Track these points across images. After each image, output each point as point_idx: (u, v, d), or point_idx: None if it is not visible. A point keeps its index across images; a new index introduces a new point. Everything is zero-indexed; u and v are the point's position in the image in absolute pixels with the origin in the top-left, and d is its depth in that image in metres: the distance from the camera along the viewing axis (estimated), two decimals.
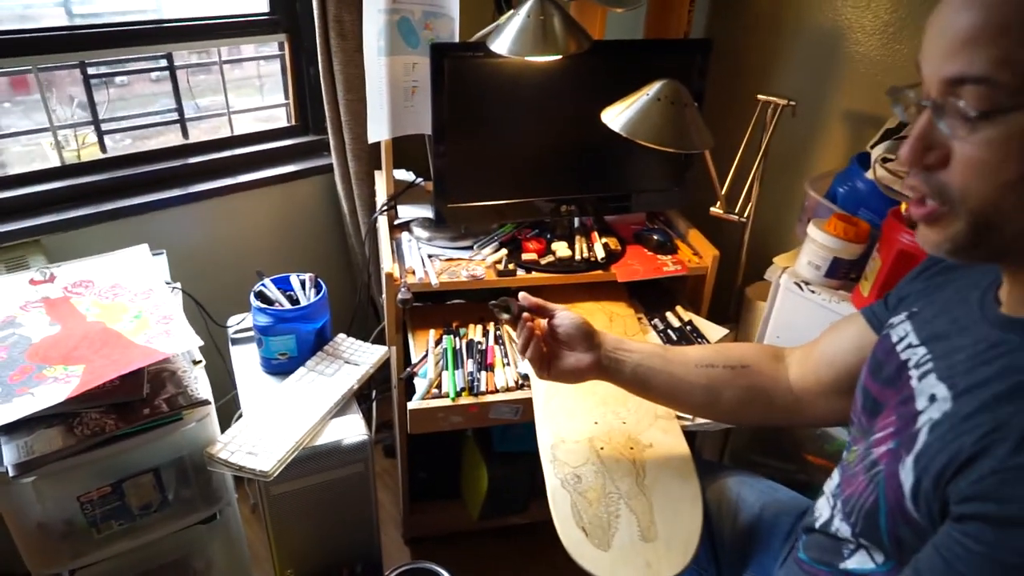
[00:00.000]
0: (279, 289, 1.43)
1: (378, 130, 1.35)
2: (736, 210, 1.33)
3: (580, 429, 1.07)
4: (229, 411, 1.40)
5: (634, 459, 1.02)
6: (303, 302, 1.40)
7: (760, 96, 1.27)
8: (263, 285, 1.42)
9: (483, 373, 1.22)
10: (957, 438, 0.57)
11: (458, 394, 1.18)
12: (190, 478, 1.21)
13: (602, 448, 1.04)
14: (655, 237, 1.44)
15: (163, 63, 1.60)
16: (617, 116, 1.10)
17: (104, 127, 1.58)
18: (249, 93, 1.85)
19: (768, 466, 1.32)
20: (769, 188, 1.43)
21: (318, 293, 1.41)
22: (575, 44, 1.12)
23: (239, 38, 1.67)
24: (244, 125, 1.79)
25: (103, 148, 1.60)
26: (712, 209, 1.34)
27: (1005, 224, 0.55)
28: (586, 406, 1.12)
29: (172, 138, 1.70)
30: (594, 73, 1.28)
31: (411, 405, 1.16)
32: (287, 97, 1.81)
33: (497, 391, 1.20)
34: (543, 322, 0.95)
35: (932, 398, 0.63)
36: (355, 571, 1.42)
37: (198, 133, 1.73)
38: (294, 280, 1.45)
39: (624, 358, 0.94)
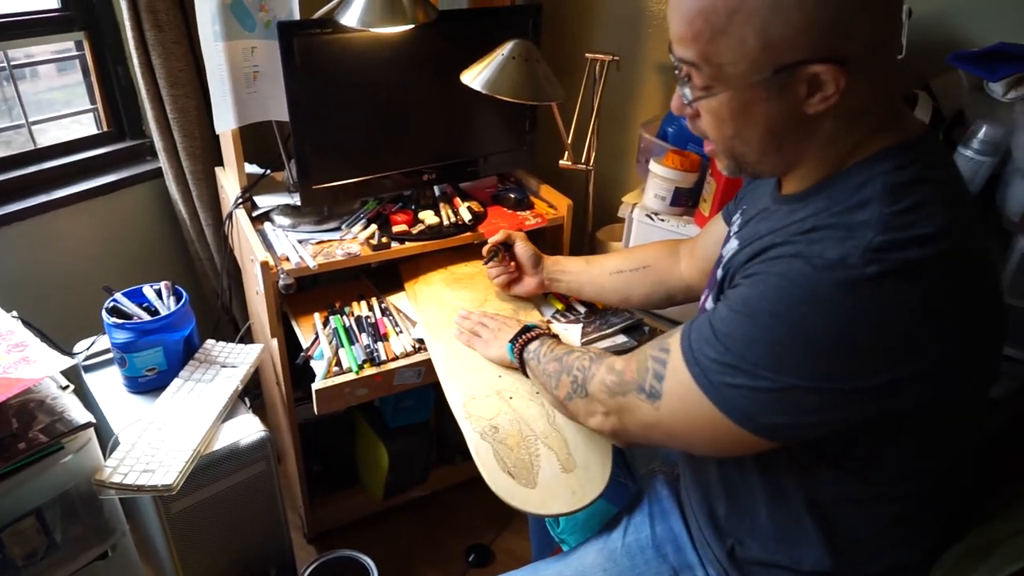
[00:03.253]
0: (134, 303, 1.35)
1: (224, 120, 1.32)
2: (582, 160, 1.47)
3: (487, 383, 1.12)
4: (101, 444, 1.30)
5: (542, 403, 1.08)
6: (163, 312, 1.34)
7: (588, 54, 1.41)
8: (115, 301, 1.33)
9: (379, 344, 1.25)
10: (730, 265, 0.76)
11: (360, 367, 1.20)
12: (78, 513, 1.13)
13: (511, 397, 1.09)
14: (512, 195, 1.54)
15: None
16: (476, 76, 1.18)
17: None
18: (74, 99, 1.68)
19: None
20: (602, 138, 1.59)
21: (179, 300, 1.35)
22: (423, 14, 1.18)
23: (26, 39, 1.52)
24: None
25: None
26: (561, 162, 1.47)
27: (744, 159, 0.73)
28: (487, 361, 1.17)
29: None
30: (438, 42, 1.34)
31: (316, 385, 1.16)
32: (93, 101, 1.67)
33: (397, 358, 1.23)
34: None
35: (728, 249, 0.82)
36: None
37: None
38: (148, 291, 1.37)
39: (560, 278, 1.28)
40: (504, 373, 1.15)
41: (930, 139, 0.70)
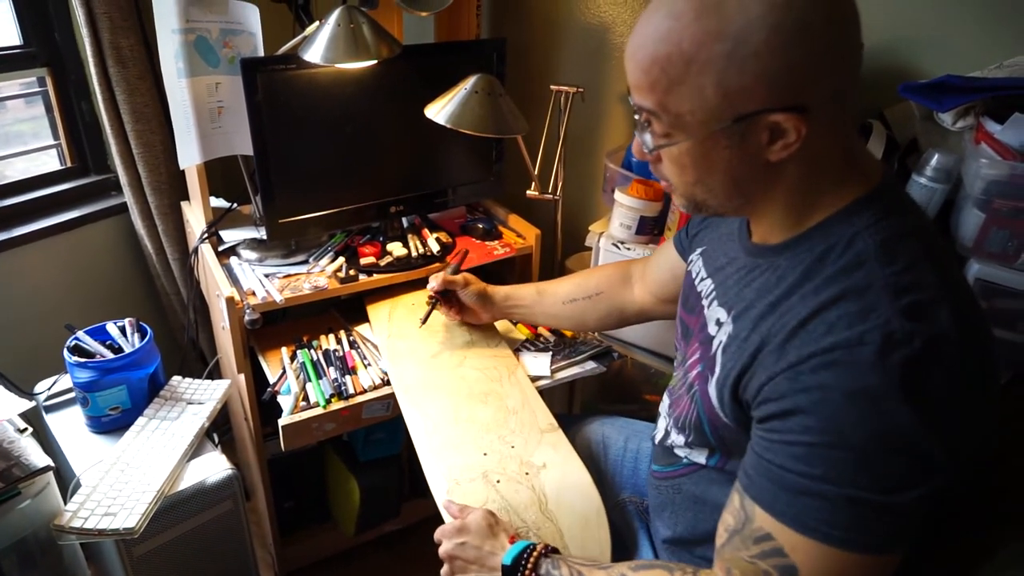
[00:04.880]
0: (97, 340, 1.33)
1: (188, 155, 1.31)
2: (549, 190, 1.48)
3: (471, 464, 1.04)
4: (62, 487, 1.27)
5: (532, 485, 1.01)
6: (127, 349, 1.32)
7: (553, 86, 1.43)
8: (77, 339, 1.31)
9: (347, 377, 1.24)
10: (740, 357, 0.72)
11: (328, 401, 1.19)
12: (36, 560, 1.10)
13: (498, 481, 1.01)
14: (480, 226, 1.55)
15: None
16: (440, 111, 1.19)
17: None
18: (42, 131, 1.66)
19: (613, 411, 1.48)
20: (570, 167, 1.61)
21: (144, 337, 1.33)
22: (387, 49, 1.19)
23: None
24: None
25: None
26: (528, 192, 1.48)
27: (706, 203, 0.73)
28: (470, 435, 1.09)
29: None
30: (404, 76, 1.35)
31: (282, 421, 1.14)
32: (57, 137, 1.66)
33: (365, 391, 1.22)
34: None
35: (718, 322, 0.79)
36: None
37: None
38: (112, 328, 1.35)
39: (512, 311, 1.28)
40: (489, 450, 1.07)
41: (894, 182, 0.71)
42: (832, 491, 0.62)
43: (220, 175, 1.65)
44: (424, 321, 1.27)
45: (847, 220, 0.68)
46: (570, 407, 1.61)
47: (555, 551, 0.85)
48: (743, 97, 0.62)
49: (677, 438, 0.87)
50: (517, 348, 1.32)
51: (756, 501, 0.67)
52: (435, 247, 1.45)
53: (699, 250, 0.92)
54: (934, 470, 0.60)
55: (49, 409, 1.33)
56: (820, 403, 0.62)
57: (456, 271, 1.30)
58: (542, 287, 1.26)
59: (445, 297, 1.28)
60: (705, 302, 0.84)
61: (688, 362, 0.85)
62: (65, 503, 1.09)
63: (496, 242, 1.53)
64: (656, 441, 0.95)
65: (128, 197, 1.59)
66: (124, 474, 1.15)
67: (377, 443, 1.58)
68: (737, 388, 0.72)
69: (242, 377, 1.32)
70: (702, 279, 0.87)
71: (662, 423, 0.95)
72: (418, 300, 1.43)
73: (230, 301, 1.24)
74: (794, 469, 0.64)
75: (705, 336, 0.81)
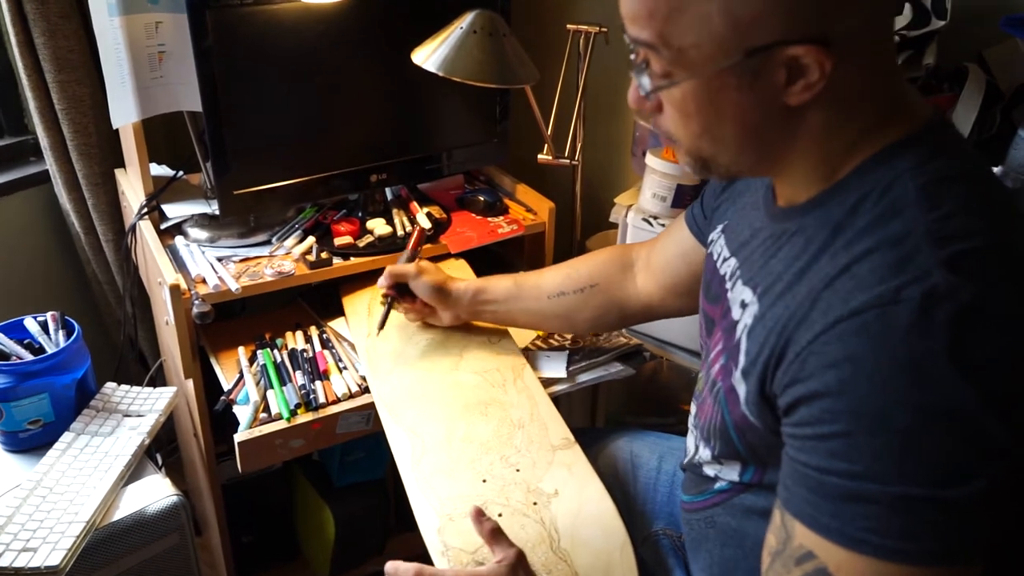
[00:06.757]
0: (13, 339, 1.32)
1: (123, 112, 1.30)
2: (566, 154, 1.47)
3: (468, 495, 1.01)
4: None
5: (542, 519, 0.98)
6: (50, 349, 1.31)
7: (569, 25, 1.41)
8: None
9: (318, 383, 1.23)
10: (767, 339, 0.72)
11: (293, 412, 1.18)
12: None
13: (500, 514, 0.98)
14: (481, 198, 1.54)
15: None
16: (431, 56, 1.17)
17: None
18: None
19: (645, 424, 1.48)
20: (592, 127, 1.59)
21: (70, 334, 1.32)
22: None
23: None
24: None
25: None
26: (540, 156, 1.47)
27: (715, 160, 0.73)
28: (467, 457, 1.07)
29: None
30: (386, 13, 1.34)
31: (239, 436, 1.14)
32: None
33: (340, 400, 1.21)
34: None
35: (743, 304, 0.79)
36: None
37: None
38: (31, 324, 1.35)
39: (483, 308, 1.24)
40: (489, 476, 1.04)
41: (944, 122, 0.71)
42: (877, 490, 0.61)
43: (163, 136, 1.64)
44: (381, 327, 1.24)
45: (886, 163, 0.68)
46: (592, 419, 1.61)
47: None
48: (756, 27, 0.63)
49: (704, 452, 0.87)
50: (526, 346, 1.31)
51: (796, 515, 0.67)
52: (426, 224, 1.45)
53: (720, 227, 0.93)
54: (996, 453, 0.59)
55: None
56: (852, 380, 0.61)
57: (412, 258, 1.26)
58: (521, 279, 1.23)
59: (403, 293, 1.24)
60: (728, 284, 0.84)
61: (710, 357, 0.85)
62: None
63: (501, 218, 1.52)
64: (685, 463, 0.95)
65: (50, 164, 1.59)
66: (46, 501, 1.14)
67: (355, 464, 1.58)
68: (764, 381, 0.72)
69: (190, 383, 1.32)
70: (724, 259, 0.88)
71: (691, 439, 0.95)
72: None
73: (175, 290, 1.23)
74: (832, 469, 0.63)
75: (728, 322, 0.81)
